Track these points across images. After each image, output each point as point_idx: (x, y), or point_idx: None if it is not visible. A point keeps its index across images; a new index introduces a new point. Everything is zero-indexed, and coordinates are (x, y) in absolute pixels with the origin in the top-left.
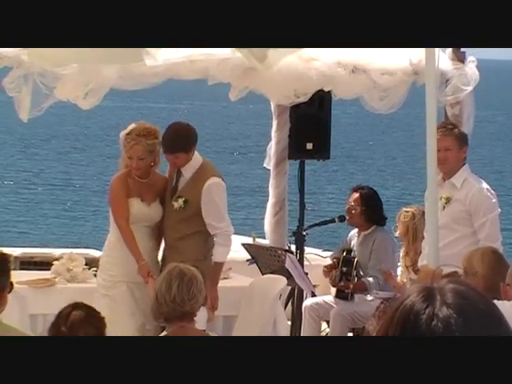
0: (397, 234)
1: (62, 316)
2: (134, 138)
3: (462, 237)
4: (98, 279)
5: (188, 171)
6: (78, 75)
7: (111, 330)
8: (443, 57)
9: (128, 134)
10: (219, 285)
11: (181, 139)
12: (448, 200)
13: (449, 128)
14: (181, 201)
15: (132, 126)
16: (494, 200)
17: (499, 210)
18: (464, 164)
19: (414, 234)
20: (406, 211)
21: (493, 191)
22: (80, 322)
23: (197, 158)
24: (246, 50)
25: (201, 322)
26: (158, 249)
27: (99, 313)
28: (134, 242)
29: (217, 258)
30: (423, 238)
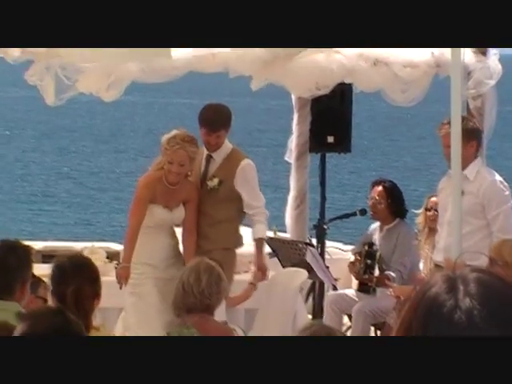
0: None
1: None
2: (179, 143)
3: (476, 229)
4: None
5: (219, 155)
6: (100, 68)
7: (139, 327)
8: (466, 50)
9: (172, 138)
10: (241, 277)
11: (223, 117)
12: (461, 193)
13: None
14: (216, 180)
15: (175, 131)
16: (507, 192)
17: None
18: (476, 157)
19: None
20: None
21: (506, 183)
22: (86, 298)
23: (227, 143)
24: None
25: (220, 314)
26: (179, 244)
27: (87, 264)
28: (132, 245)
29: (259, 234)
30: (437, 231)
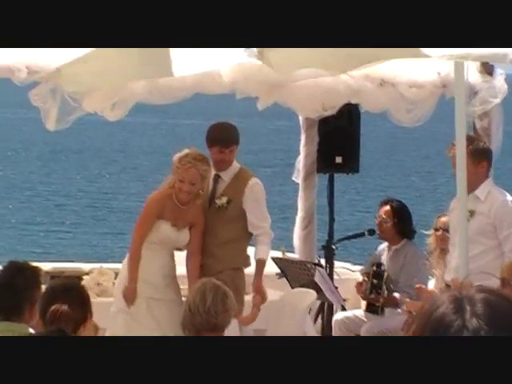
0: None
1: (49, 317)
2: (190, 161)
3: (488, 249)
4: (115, 293)
5: (228, 175)
6: (105, 89)
7: None
8: (472, 69)
9: (184, 156)
10: (249, 298)
11: (233, 133)
12: (472, 213)
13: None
14: (224, 199)
15: (186, 150)
16: None
17: None
18: (487, 177)
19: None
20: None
21: None
22: (67, 316)
23: (234, 162)
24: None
25: (234, 333)
26: (175, 267)
27: (78, 288)
28: (137, 264)
29: (261, 255)
30: (448, 251)
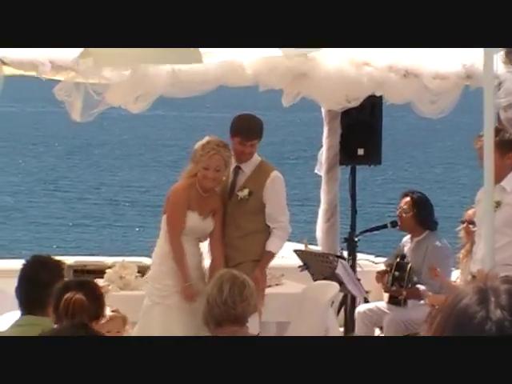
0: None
1: (63, 305)
2: (214, 148)
3: None
4: (148, 288)
5: (248, 167)
6: (128, 82)
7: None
8: (496, 60)
9: (206, 144)
10: (271, 291)
11: (257, 127)
12: (498, 204)
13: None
14: (246, 191)
15: (207, 138)
16: None
17: None
18: None
19: None
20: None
21: None
22: (81, 306)
23: (255, 155)
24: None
25: (253, 327)
26: (203, 257)
27: (94, 284)
28: (184, 260)
29: (271, 247)
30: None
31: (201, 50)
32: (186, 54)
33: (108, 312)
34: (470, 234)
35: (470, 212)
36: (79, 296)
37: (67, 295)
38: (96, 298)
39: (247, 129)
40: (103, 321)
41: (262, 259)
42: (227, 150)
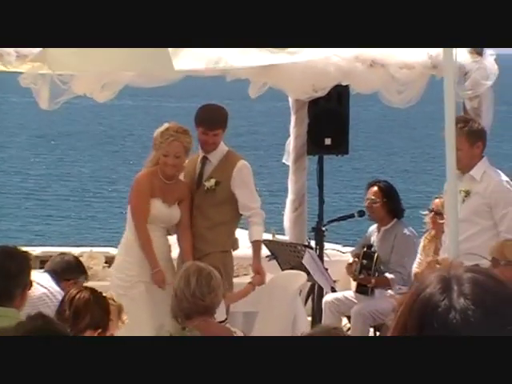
0: (442, 221)
1: (67, 300)
2: (173, 135)
3: (483, 229)
4: (113, 279)
5: (215, 157)
6: (95, 72)
7: (129, 331)
8: (461, 50)
9: (165, 130)
10: (239, 280)
11: (220, 116)
12: (467, 193)
13: (459, 127)
14: (213, 181)
15: (166, 124)
16: None
17: None
18: (482, 157)
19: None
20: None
21: None
22: (85, 305)
23: (222, 145)
24: None
25: (220, 313)
26: (171, 248)
27: (104, 295)
28: (151, 247)
29: (255, 236)
30: (443, 231)
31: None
32: (156, 60)
33: None
34: (436, 223)
35: (437, 201)
36: (86, 294)
37: (72, 291)
38: (103, 308)
39: (210, 118)
40: None
41: (253, 251)
42: (187, 135)
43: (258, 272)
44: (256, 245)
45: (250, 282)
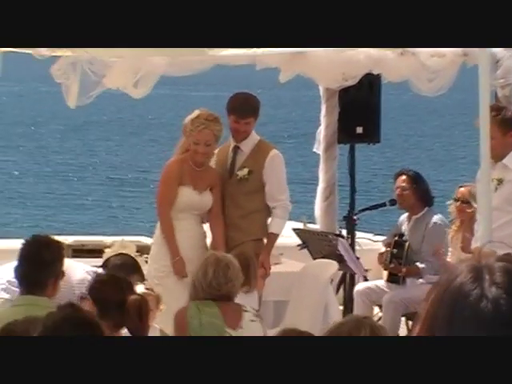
0: (470, 210)
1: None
2: (204, 123)
3: None
4: (149, 269)
5: (247, 146)
6: (127, 63)
7: (161, 322)
8: None
9: (196, 118)
10: (271, 270)
11: (252, 104)
12: (500, 181)
13: (492, 115)
14: (246, 170)
15: (197, 111)
16: None
17: None
18: None
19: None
20: (468, 188)
21: None
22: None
23: (254, 134)
24: None
25: (253, 304)
26: (206, 235)
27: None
28: (172, 235)
29: (274, 229)
30: (476, 220)
31: None
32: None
33: (141, 289)
34: (462, 213)
35: (463, 189)
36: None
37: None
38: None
39: (242, 107)
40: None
41: (267, 242)
42: (217, 123)
43: (263, 264)
44: (271, 237)
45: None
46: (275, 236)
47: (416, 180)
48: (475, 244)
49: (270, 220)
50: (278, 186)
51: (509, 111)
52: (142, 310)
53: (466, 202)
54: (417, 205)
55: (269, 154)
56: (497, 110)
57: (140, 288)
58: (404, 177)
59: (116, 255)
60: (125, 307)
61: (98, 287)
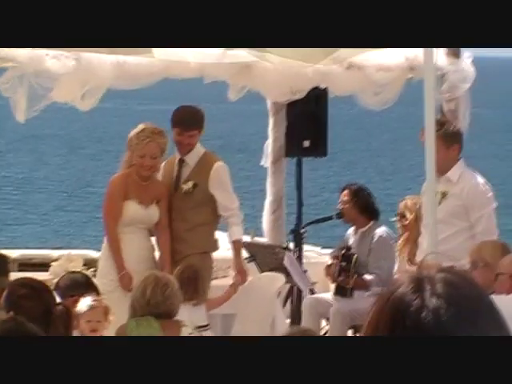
0: (406, 222)
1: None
2: (149, 136)
3: (459, 231)
4: (97, 284)
5: (192, 159)
6: (74, 76)
7: (110, 332)
8: (438, 53)
9: (141, 132)
10: (218, 283)
11: (196, 117)
12: (444, 195)
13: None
14: (190, 183)
15: (142, 125)
16: (489, 194)
17: (495, 204)
18: (459, 159)
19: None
20: (413, 199)
21: (488, 185)
22: (26, 300)
23: (199, 146)
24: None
25: (201, 318)
26: (154, 249)
27: (46, 286)
28: (118, 249)
29: (236, 236)
30: (420, 232)
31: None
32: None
33: (89, 302)
34: (405, 226)
35: (401, 203)
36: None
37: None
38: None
39: (185, 119)
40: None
41: (234, 250)
42: (162, 136)
43: (241, 272)
44: (237, 244)
45: (231, 285)
46: (240, 242)
47: (357, 194)
48: (420, 256)
49: (228, 231)
50: (227, 196)
51: (451, 125)
52: (67, 320)
53: (402, 215)
54: (361, 218)
55: (213, 166)
56: (440, 124)
57: (87, 300)
58: (346, 191)
59: (67, 274)
60: (50, 318)
61: (18, 302)
